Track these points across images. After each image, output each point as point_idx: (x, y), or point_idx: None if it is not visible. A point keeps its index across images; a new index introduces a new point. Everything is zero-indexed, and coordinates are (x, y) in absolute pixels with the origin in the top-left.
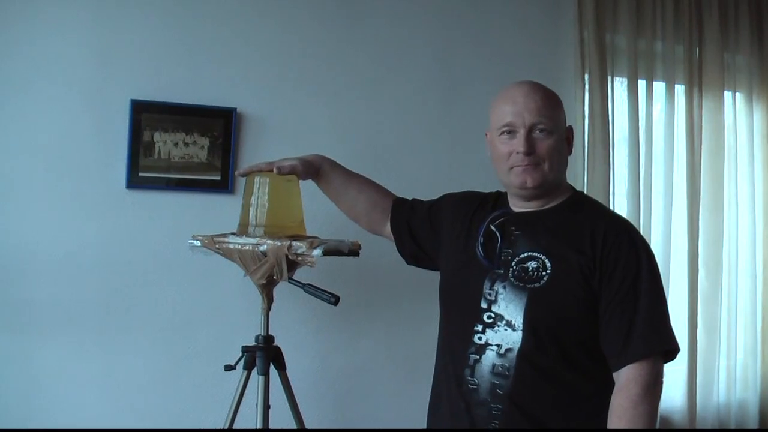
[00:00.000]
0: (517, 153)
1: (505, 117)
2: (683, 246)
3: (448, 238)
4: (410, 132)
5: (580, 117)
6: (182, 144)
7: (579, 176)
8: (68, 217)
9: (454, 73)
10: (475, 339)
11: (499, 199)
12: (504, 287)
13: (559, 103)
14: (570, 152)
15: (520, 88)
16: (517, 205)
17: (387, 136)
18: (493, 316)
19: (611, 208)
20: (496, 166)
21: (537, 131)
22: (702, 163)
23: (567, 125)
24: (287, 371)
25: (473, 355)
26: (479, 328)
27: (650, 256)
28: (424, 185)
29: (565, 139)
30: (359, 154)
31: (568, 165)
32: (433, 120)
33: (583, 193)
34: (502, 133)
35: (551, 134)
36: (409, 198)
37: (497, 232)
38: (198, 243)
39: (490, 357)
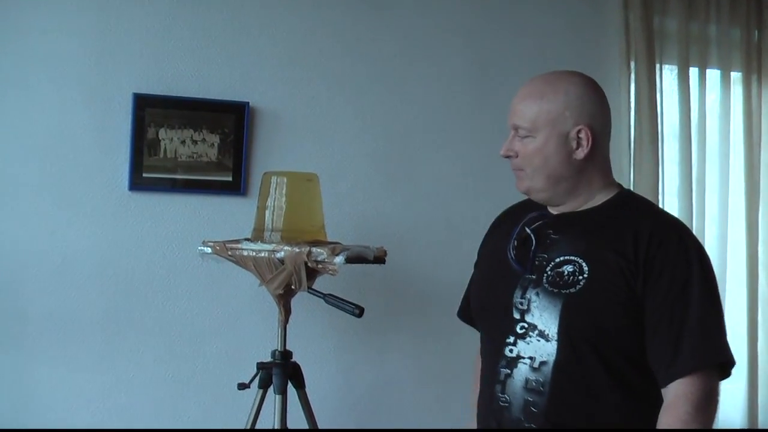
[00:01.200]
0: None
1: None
2: (741, 248)
3: (479, 257)
4: (439, 127)
5: (626, 109)
6: (190, 142)
7: (625, 174)
8: (65, 222)
9: (486, 63)
10: (506, 352)
11: (536, 203)
12: (537, 294)
13: (553, 100)
14: (582, 155)
15: (524, 85)
16: (552, 207)
17: (414, 132)
18: (525, 326)
19: (661, 206)
20: None
21: (519, 134)
22: (761, 157)
23: (579, 125)
24: (306, 390)
25: (504, 370)
26: (511, 339)
27: (703, 258)
28: (454, 186)
29: (566, 139)
30: (384, 152)
31: (612, 162)
32: (464, 114)
33: (631, 191)
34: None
35: (531, 138)
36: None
37: (532, 235)
38: (208, 250)
39: (522, 371)
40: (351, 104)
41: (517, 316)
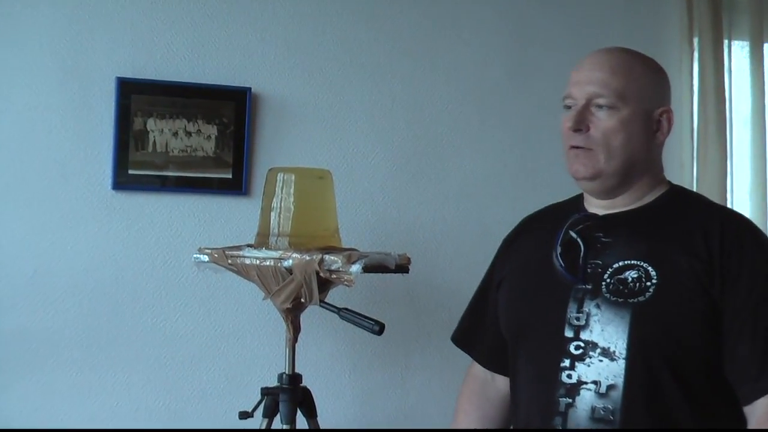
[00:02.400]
0: (567, 128)
1: (568, 86)
2: None
3: (506, 271)
4: (471, 117)
5: (688, 92)
6: (183, 134)
7: (687, 168)
8: (38, 228)
9: (526, 38)
10: (563, 377)
11: (577, 202)
12: (597, 306)
13: (642, 73)
14: (662, 139)
15: (593, 54)
16: (597, 206)
17: (442, 122)
18: (583, 345)
19: (729, 206)
20: None
21: (595, 106)
22: None
23: (662, 106)
24: (318, 419)
25: (564, 399)
26: (566, 363)
27: None
28: (489, 184)
29: (649, 119)
30: (406, 143)
31: (671, 154)
32: (499, 98)
33: (683, 187)
34: (564, 107)
35: (615, 110)
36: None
37: (578, 240)
38: (205, 258)
39: (587, 399)
40: (369, 90)
41: (570, 334)
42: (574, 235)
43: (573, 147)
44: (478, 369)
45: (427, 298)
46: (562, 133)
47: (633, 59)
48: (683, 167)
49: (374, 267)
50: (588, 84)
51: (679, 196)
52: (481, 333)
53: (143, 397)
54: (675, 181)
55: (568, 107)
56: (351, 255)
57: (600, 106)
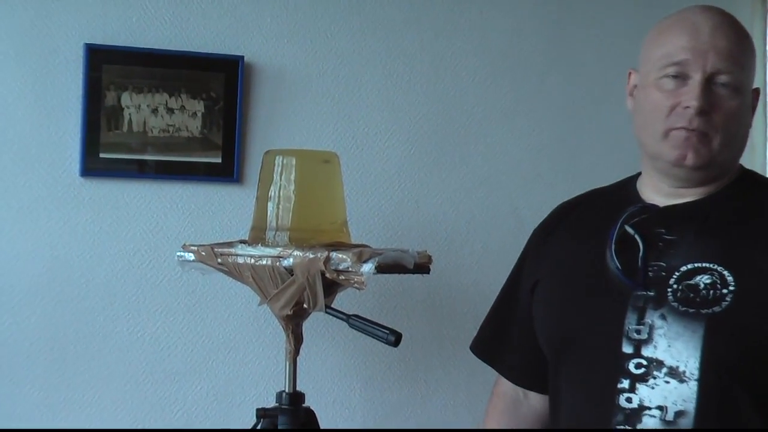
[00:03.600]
0: (685, 108)
1: (678, 51)
2: None
3: (542, 270)
4: (501, 88)
5: (761, 61)
6: (164, 111)
7: (758, 150)
8: None
9: (564, 9)
10: (622, 402)
11: (628, 188)
12: (662, 317)
13: (753, 52)
14: (750, 125)
15: (706, 15)
16: (663, 194)
17: (467, 95)
18: (645, 363)
19: None
20: (641, 128)
21: (718, 84)
22: None
23: (755, 85)
24: None
25: (622, 427)
26: (625, 384)
27: None
28: (522, 169)
29: (750, 105)
30: (426, 122)
31: None
32: (534, 69)
33: (754, 172)
34: (666, 75)
35: (737, 93)
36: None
37: (637, 237)
38: (191, 256)
39: (650, 427)
40: (383, 59)
41: (628, 349)
42: (631, 230)
43: (688, 129)
44: (506, 385)
45: (450, 302)
46: (653, 107)
47: (740, 23)
48: (754, 150)
49: (389, 267)
50: (713, 54)
51: (755, 183)
52: (507, 342)
53: (118, 419)
54: (746, 166)
55: (674, 77)
56: (362, 252)
57: (724, 85)
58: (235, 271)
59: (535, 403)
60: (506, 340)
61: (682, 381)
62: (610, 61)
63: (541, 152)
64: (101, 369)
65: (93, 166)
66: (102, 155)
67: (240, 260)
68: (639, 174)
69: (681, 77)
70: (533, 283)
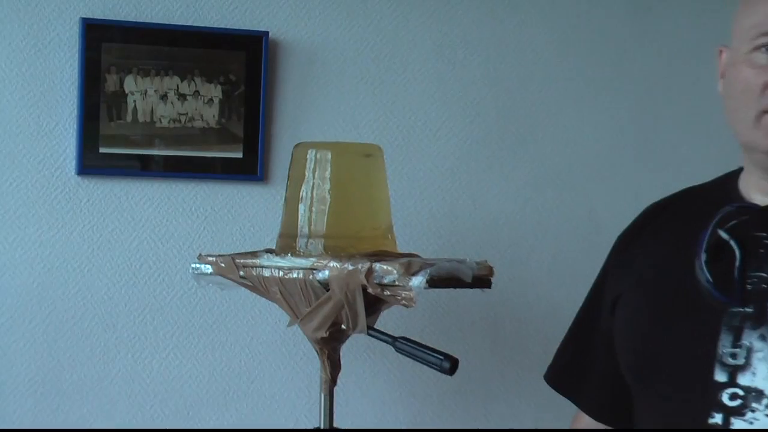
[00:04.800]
0: None
1: (762, 18)
2: None
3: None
4: (574, 70)
5: None
6: (175, 97)
7: None
8: None
9: None
10: None
11: (727, 186)
12: (762, 338)
13: None
14: None
15: None
16: (764, 192)
17: (533, 78)
18: (741, 393)
19: None
20: (732, 113)
21: None
22: None
23: None
24: None
25: None
26: (717, 419)
27: None
28: (598, 164)
29: None
30: (485, 110)
31: None
32: (613, 48)
33: None
34: (757, 48)
35: None
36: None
37: (732, 243)
38: (208, 268)
39: None
40: (434, 35)
41: (722, 377)
42: (725, 235)
43: None
44: (586, 420)
45: (516, 322)
46: (745, 86)
47: None
48: None
49: (443, 280)
50: None
51: None
52: (588, 371)
53: None
54: None
55: (767, 49)
56: (411, 263)
57: None
58: (260, 286)
59: None
60: (587, 367)
61: None
62: (706, 32)
63: (622, 143)
64: (101, 402)
65: (91, 162)
66: (102, 150)
67: (266, 273)
68: (741, 169)
69: None
70: (614, 299)
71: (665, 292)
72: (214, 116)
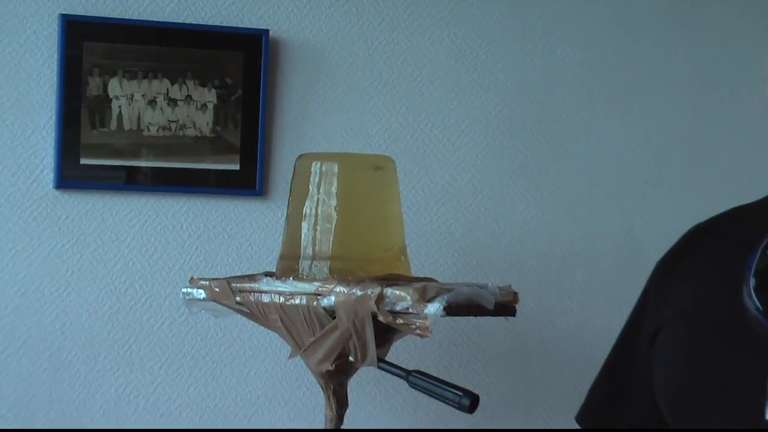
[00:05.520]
0: None
1: None
2: None
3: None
4: (612, 69)
5: None
6: (164, 102)
7: None
8: None
9: None
10: None
11: None
12: None
13: None
14: None
15: None
16: None
17: (564, 79)
18: None
19: None
20: None
21: None
22: None
23: None
24: None
25: None
26: None
27: None
28: (638, 177)
29: None
30: (509, 116)
31: None
32: (658, 42)
33: None
34: None
35: None
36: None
37: None
38: (200, 293)
39: None
40: (452, 34)
41: None
42: None
43: None
44: None
45: (543, 355)
46: None
47: None
48: None
49: (462, 307)
50: None
51: None
52: (624, 412)
53: None
54: None
55: None
56: (426, 289)
57: None
58: (258, 314)
59: None
60: (623, 408)
61: None
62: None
63: (664, 155)
64: None
65: (71, 174)
66: (83, 161)
67: (265, 299)
68: None
69: None
70: (653, 331)
71: (709, 322)
72: (207, 123)
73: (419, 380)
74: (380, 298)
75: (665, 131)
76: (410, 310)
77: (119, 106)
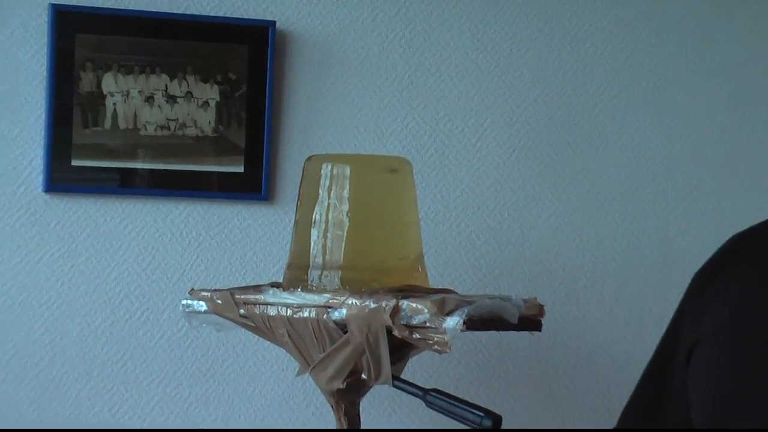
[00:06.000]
0: None
1: None
2: None
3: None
4: (646, 63)
5: None
6: (163, 98)
7: None
8: None
9: None
10: None
11: None
12: None
13: None
14: None
15: None
16: None
17: (595, 74)
18: None
19: None
20: None
21: None
22: None
23: None
24: None
25: None
26: None
27: None
28: (676, 183)
29: None
30: (534, 116)
31: None
32: (697, 33)
33: None
34: None
35: None
36: None
37: None
38: (201, 305)
39: None
40: (473, 26)
41: None
42: None
43: None
44: None
45: (571, 372)
46: None
47: None
48: None
49: (484, 321)
50: None
51: None
52: None
53: None
54: None
55: None
56: (445, 301)
57: None
58: (264, 328)
59: None
60: (659, 430)
61: None
62: None
63: (703, 157)
64: None
65: (62, 177)
66: (74, 162)
67: (272, 311)
68: None
69: None
70: (690, 347)
71: (750, 338)
72: (209, 122)
73: (437, 399)
74: (395, 311)
75: (704, 132)
76: (428, 324)
77: (114, 104)
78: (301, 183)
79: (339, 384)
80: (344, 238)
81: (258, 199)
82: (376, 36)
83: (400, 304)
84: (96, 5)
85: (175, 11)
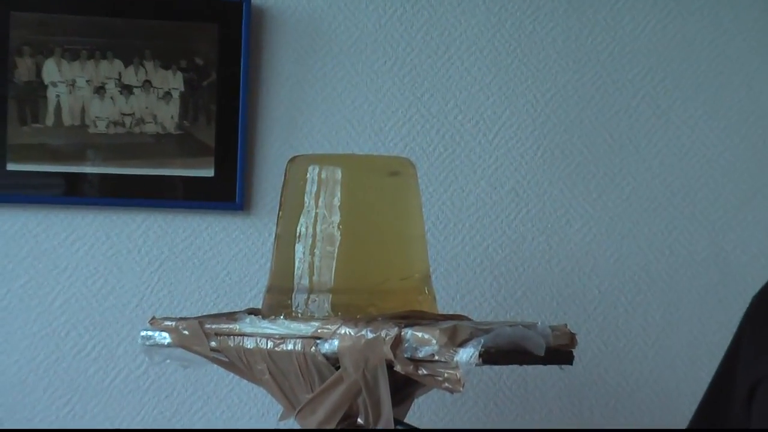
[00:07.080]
0: None
1: None
2: None
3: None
4: (694, 51)
5: None
6: (116, 89)
7: None
8: None
9: None
10: None
11: None
12: None
13: None
14: None
15: None
16: None
17: (633, 65)
18: None
19: None
20: None
21: None
22: None
23: None
24: None
25: None
26: None
27: None
28: (732, 190)
29: None
30: (561, 111)
31: None
32: (756, 23)
33: None
34: None
35: None
36: None
37: None
38: (164, 337)
39: None
40: (489, 2)
41: None
42: None
43: None
44: None
45: (610, 412)
46: None
47: None
48: None
49: (503, 353)
50: None
51: None
52: None
53: None
54: None
55: None
56: (456, 329)
57: None
58: (240, 363)
59: None
60: None
61: None
62: None
63: (763, 160)
64: None
65: None
66: (11, 166)
67: (249, 344)
68: None
69: None
70: (753, 384)
71: None
72: (172, 117)
73: None
74: (397, 341)
75: (764, 134)
76: (436, 358)
77: (57, 96)
78: (282, 189)
79: (330, 426)
80: (335, 256)
81: (231, 209)
82: (372, 12)
83: (402, 333)
84: None
85: None
